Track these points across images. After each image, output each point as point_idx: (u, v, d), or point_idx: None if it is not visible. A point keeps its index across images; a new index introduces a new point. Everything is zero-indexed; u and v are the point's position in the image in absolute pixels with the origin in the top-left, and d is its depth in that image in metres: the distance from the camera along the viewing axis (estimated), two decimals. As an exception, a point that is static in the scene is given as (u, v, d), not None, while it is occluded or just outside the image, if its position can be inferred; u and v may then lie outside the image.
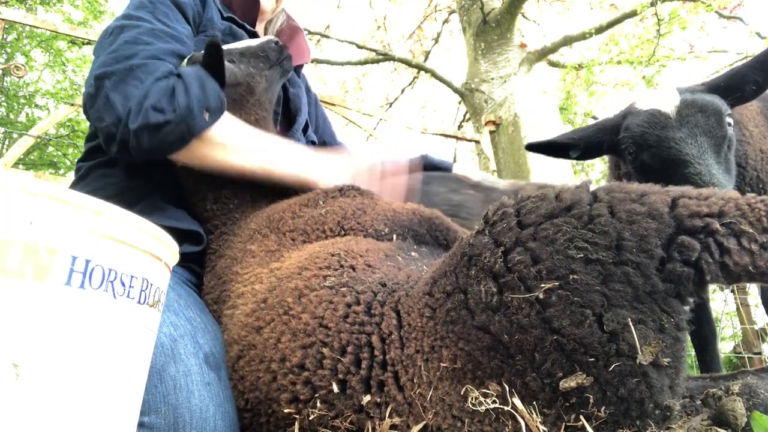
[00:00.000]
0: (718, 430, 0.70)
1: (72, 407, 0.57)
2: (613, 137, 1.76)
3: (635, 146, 1.65)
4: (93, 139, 1.52)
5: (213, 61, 1.35)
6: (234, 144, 1.34)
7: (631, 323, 0.72)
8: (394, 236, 1.23)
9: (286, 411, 0.88)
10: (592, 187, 0.84)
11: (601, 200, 0.80)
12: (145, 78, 1.25)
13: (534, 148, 1.94)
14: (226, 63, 1.43)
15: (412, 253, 1.14)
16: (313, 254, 1.08)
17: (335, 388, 0.85)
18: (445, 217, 1.38)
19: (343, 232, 1.23)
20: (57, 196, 0.58)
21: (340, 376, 0.86)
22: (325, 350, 0.89)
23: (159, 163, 1.35)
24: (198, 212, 1.46)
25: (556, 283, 0.75)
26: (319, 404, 0.86)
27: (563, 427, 0.74)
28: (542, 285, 0.76)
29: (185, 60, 1.42)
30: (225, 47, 1.47)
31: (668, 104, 1.60)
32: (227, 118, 1.36)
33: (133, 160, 1.28)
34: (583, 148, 1.83)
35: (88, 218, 0.60)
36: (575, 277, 0.75)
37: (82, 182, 1.46)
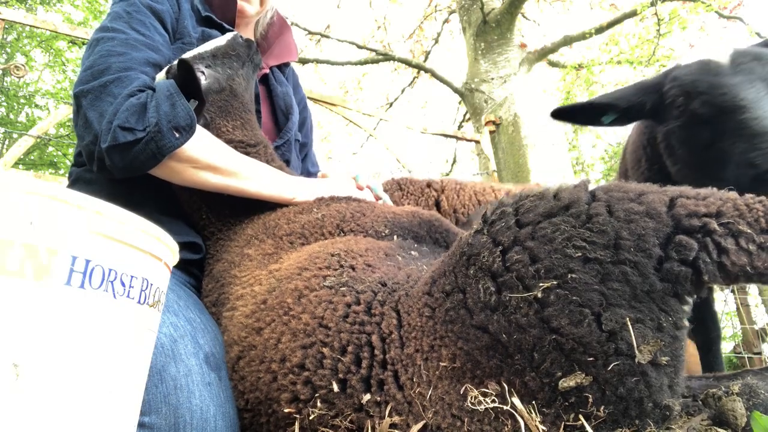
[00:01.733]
0: (718, 430, 0.69)
1: (72, 407, 0.57)
2: (657, 95, 1.59)
3: (684, 96, 1.50)
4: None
5: (186, 78, 1.34)
6: (206, 163, 1.32)
7: (629, 322, 0.72)
8: (395, 237, 1.23)
9: (286, 411, 0.88)
10: (591, 187, 0.84)
11: (599, 199, 0.80)
12: (118, 93, 1.24)
13: (561, 114, 1.77)
14: (207, 70, 1.42)
15: (412, 252, 1.14)
16: (312, 254, 1.08)
17: (335, 387, 0.85)
18: (444, 218, 1.38)
19: (342, 234, 1.23)
20: (57, 196, 0.58)
21: (341, 375, 0.86)
22: (325, 350, 0.89)
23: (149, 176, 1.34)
24: (194, 220, 1.46)
25: (555, 282, 0.75)
26: (319, 404, 0.86)
27: (562, 426, 0.74)
28: (540, 284, 0.76)
29: (163, 71, 1.40)
30: (197, 51, 1.45)
31: (720, 54, 1.49)
32: (201, 135, 1.34)
33: (113, 177, 1.27)
34: (623, 109, 1.65)
35: (88, 218, 0.60)
36: (573, 276, 0.75)
37: (72, 188, 1.45)
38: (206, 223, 1.44)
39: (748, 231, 0.74)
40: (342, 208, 1.30)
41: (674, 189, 0.82)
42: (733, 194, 0.80)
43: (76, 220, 0.59)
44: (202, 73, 1.42)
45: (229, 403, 1.00)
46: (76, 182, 1.47)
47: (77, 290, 0.58)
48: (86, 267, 0.59)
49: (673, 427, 0.72)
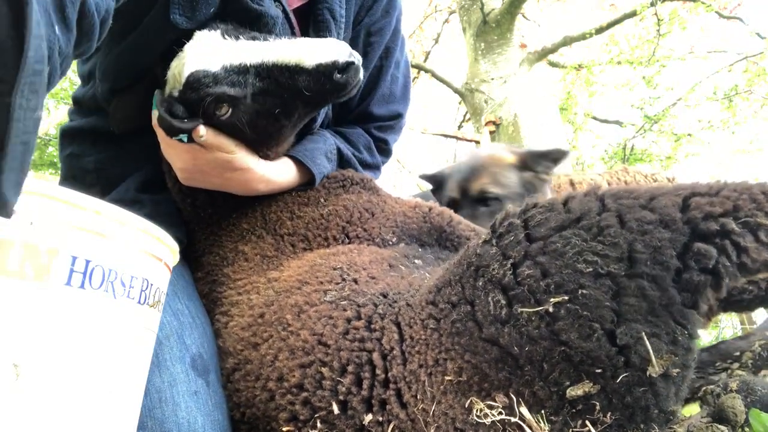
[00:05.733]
0: (719, 426, 0.69)
1: (72, 407, 0.57)
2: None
3: None
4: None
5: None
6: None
7: (645, 337, 0.71)
8: (401, 244, 1.18)
9: (284, 430, 0.87)
10: (600, 192, 0.81)
11: (609, 209, 0.77)
12: None
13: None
14: (244, 103, 1.06)
15: (416, 261, 1.11)
16: (314, 267, 1.05)
17: (335, 409, 0.84)
18: (455, 217, 1.31)
19: (347, 240, 1.17)
20: (57, 196, 0.58)
21: (341, 397, 0.84)
22: (324, 370, 0.87)
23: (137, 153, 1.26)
24: (181, 203, 1.30)
25: (565, 297, 0.74)
26: (319, 424, 0.84)
27: None
28: (551, 299, 0.75)
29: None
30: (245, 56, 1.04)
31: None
32: None
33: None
34: None
35: (89, 218, 0.60)
36: (584, 291, 0.73)
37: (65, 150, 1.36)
38: (191, 210, 1.28)
39: (767, 222, 0.72)
40: (350, 203, 1.22)
41: (686, 187, 0.78)
42: (746, 184, 0.77)
43: (77, 221, 0.59)
44: (227, 107, 1.04)
45: (219, 410, 0.97)
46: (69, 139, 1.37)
47: (77, 290, 0.58)
48: (86, 267, 0.59)
49: (674, 427, 0.71)
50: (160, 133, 1.11)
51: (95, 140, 1.33)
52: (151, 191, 1.30)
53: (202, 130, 1.06)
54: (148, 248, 0.66)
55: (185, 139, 1.06)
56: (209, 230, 1.28)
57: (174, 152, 1.14)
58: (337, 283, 0.98)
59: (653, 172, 3.03)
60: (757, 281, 0.76)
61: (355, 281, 0.98)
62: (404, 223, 1.22)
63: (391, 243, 1.18)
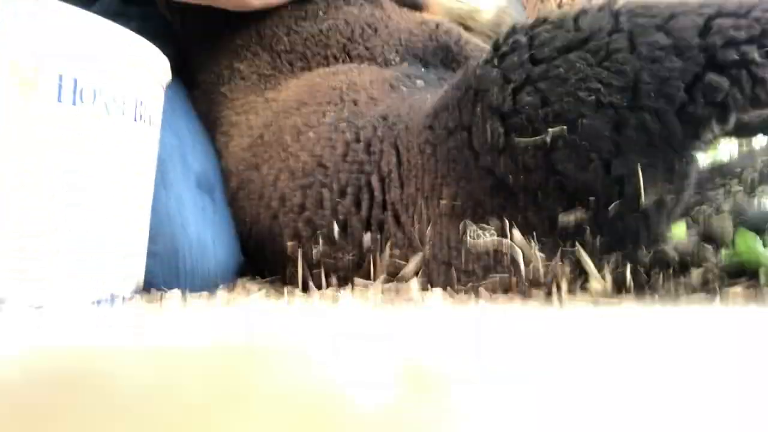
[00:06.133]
0: (705, 245, 0.71)
1: (88, 216, 0.58)
2: None
3: None
4: None
5: None
6: None
7: (639, 169, 0.70)
8: (405, 64, 1.12)
9: (289, 244, 0.90)
10: (617, 6, 0.75)
11: (621, 29, 0.71)
12: None
13: None
14: None
15: (418, 82, 1.05)
16: (312, 87, 1.01)
17: (336, 227, 0.87)
18: (464, 35, 1.20)
19: (348, 59, 1.11)
20: (40, 9, 0.54)
21: (341, 216, 0.87)
22: (324, 191, 0.88)
23: None
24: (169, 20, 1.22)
25: (564, 128, 0.72)
26: (321, 240, 0.88)
27: (559, 252, 0.76)
28: (550, 129, 0.73)
29: None
30: None
31: None
32: None
33: None
34: None
35: (75, 35, 0.57)
36: (584, 122, 0.71)
37: None
38: (183, 24, 1.20)
39: None
40: (352, 17, 1.13)
41: (713, 5, 0.70)
42: None
43: (60, 36, 0.56)
44: None
45: (226, 225, 0.98)
46: None
47: (70, 107, 0.56)
48: (75, 86, 0.57)
49: (662, 245, 0.74)
50: None
51: None
52: (138, 2, 1.20)
53: None
54: (139, 63, 0.63)
55: None
56: (201, 46, 1.20)
57: None
58: (336, 104, 0.96)
59: None
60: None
61: (355, 102, 0.95)
62: (409, 41, 1.15)
63: (394, 63, 1.12)
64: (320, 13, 1.15)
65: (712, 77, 0.68)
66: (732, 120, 0.70)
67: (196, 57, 1.21)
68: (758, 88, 0.67)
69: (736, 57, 0.67)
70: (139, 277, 0.71)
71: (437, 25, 1.20)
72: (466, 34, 1.24)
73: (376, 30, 1.14)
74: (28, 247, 0.53)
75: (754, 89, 0.67)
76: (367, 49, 1.12)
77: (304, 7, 1.16)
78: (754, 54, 0.66)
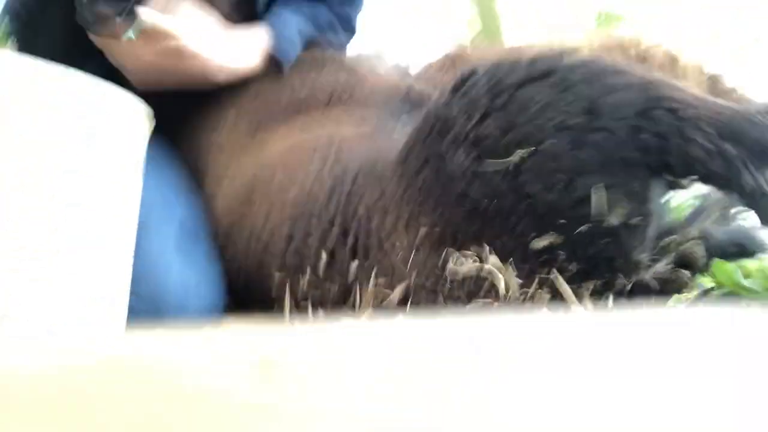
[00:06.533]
0: (682, 271, 0.74)
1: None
2: None
3: None
4: None
5: None
6: None
7: (600, 188, 0.76)
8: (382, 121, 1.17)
9: (277, 275, 0.92)
10: (568, 58, 0.84)
11: (576, 70, 0.81)
12: None
13: None
14: None
15: (395, 136, 1.12)
16: (293, 147, 1.09)
17: (324, 257, 0.90)
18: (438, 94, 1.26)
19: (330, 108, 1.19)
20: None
21: (329, 245, 0.90)
22: (313, 221, 0.92)
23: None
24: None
25: (531, 149, 0.78)
26: (309, 272, 0.90)
27: (536, 279, 0.79)
28: (517, 151, 0.78)
29: None
30: None
31: None
32: None
33: None
34: None
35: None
36: (549, 142, 0.78)
37: None
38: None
39: (710, 131, 0.74)
40: (328, 85, 1.22)
41: (658, 75, 0.82)
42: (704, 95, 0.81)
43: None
44: None
45: (212, 268, 0.99)
46: None
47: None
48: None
49: (641, 275, 0.77)
50: (100, 41, 1.03)
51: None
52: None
53: (144, 14, 0.95)
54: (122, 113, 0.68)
55: (133, 35, 0.97)
56: (181, 123, 1.25)
57: (119, 53, 1.05)
58: (323, 153, 1.02)
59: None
60: None
61: (340, 150, 1.02)
62: (385, 102, 1.22)
63: (371, 120, 1.17)
64: (296, 85, 1.21)
65: (658, 112, 0.75)
66: (669, 169, 0.77)
67: (174, 133, 1.24)
68: (690, 145, 0.73)
69: (675, 106, 0.75)
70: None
71: (409, 88, 1.25)
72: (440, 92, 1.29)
73: (351, 96, 1.21)
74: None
75: (687, 145, 0.74)
76: (344, 111, 1.18)
77: (279, 81, 1.22)
78: (688, 113, 0.74)
